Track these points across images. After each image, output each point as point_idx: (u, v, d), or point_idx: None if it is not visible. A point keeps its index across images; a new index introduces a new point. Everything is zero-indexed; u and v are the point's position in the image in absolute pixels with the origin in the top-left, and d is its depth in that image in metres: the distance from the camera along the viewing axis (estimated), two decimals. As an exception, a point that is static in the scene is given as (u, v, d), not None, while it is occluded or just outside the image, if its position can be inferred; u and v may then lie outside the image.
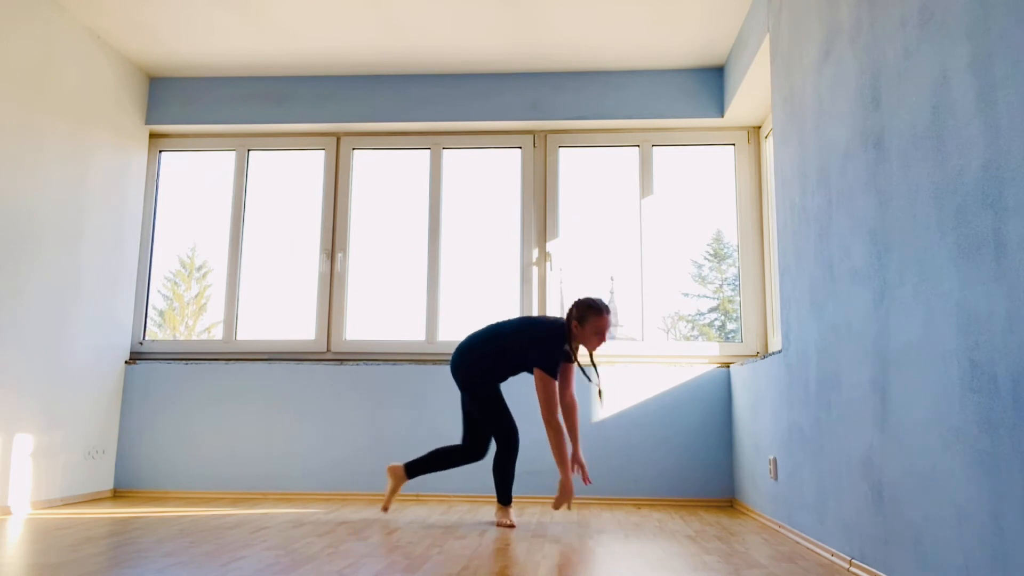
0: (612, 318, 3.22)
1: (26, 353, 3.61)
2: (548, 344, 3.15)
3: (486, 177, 4.74)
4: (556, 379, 3.13)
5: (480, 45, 4.20)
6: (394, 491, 3.47)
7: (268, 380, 4.32)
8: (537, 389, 3.11)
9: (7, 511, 3.48)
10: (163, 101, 4.61)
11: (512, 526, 3.20)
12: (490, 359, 3.26)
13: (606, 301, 3.32)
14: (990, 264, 1.61)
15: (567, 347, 3.22)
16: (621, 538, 2.96)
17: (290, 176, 4.81)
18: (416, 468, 3.38)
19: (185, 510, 3.65)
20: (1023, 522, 1.50)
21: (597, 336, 3.17)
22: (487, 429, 3.32)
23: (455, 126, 4.55)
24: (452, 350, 4.35)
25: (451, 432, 4.16)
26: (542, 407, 3.10)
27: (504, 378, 3.30)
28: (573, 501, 3.96)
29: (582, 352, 3.92)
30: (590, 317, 3.17)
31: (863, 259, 2.28)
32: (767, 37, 3.36)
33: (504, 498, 3.30)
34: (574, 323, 3.20)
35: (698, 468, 4.06)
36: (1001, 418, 1.57)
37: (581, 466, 3.33)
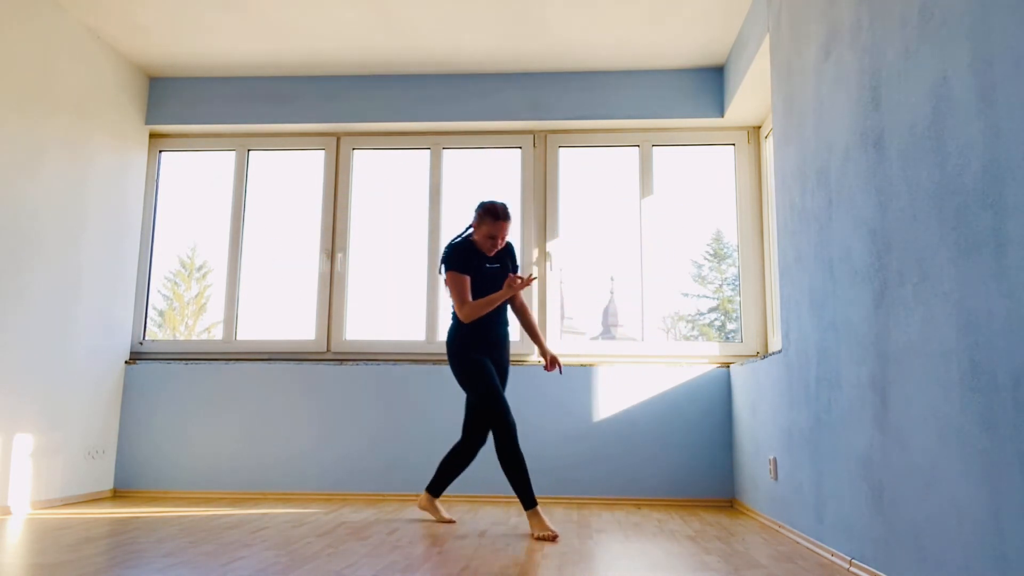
0: (509, 226, 3.17)
1: (27, 353, 3.60)
2: (452, 247, 3.20)
3: (486, 177, 4.74)
4: (465, 274, 3.13)
5: (480, 45, 4.20)
6: (437, 514, 3.35)
7: (268, 380, 4.31)
8: (449, 290, 3.15)
9: (7, 511, 3.48)
10: (163, 101, 4.61)
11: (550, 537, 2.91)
12: (452, 323, 3.26)
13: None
14: (990, 264, 1.61)
15: (474, 245, 3.22)
16: (621, 538, 2.96)
17: (290, 176, 4.81)
18: (436, 484, 3.35)
19: (185, 510, 3.65)
20: (1023, 522, 1.50)
21: (490, 240, 3.15)
22: (472, 406, 3.24)
23: (455, 126, 4.55)
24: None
25: (450, 431, 4.15)
26: (455, 304, 3.14)
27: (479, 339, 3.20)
28: (579, 499, 3.96)
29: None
30: (486, 220, 3.15)
31: (863, 259, 2.28)
32: (767, 37, 3.36)
33: (525, 501, 3.00)
34: (475, 224, 3.22)
35: (698, 468, 4.05)
36: (1001, 418, 1.57)
37: (552, 357, 3.26)
